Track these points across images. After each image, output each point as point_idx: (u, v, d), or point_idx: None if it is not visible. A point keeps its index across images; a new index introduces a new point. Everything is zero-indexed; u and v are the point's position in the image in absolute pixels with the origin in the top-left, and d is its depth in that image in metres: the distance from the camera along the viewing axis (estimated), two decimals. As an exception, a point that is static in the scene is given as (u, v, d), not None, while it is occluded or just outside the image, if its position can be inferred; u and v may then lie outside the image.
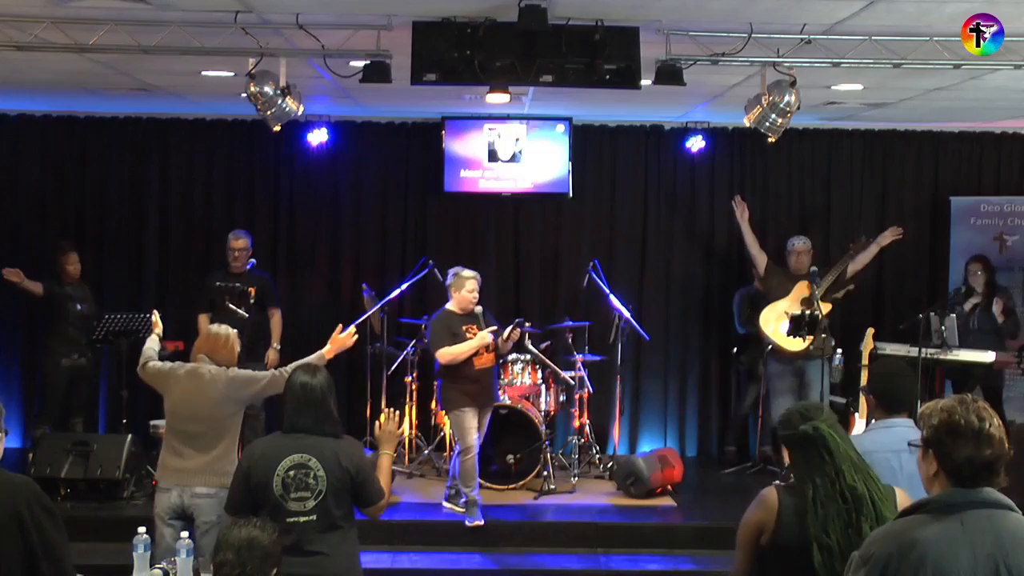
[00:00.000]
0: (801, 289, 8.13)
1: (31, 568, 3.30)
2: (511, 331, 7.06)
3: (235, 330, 5.38)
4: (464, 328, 7.04)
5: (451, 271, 7.27)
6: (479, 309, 7.09)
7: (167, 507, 5.04)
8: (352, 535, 4.19)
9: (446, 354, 6.99)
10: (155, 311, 5.78)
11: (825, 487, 3.15)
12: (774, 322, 8.11)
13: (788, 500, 3.22)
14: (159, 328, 5.61)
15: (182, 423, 5.09)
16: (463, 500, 7.16)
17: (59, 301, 8.18)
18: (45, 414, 8.28)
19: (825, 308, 8.05)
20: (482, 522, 7.06)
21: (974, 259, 8.56)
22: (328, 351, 5.24)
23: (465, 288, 7.10)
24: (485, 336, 6.99)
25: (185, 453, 5.06)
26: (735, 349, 9.09)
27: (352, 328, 5.35)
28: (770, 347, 8.18)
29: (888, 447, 3.80)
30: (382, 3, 5.31)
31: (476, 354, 7.02)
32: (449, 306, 7.17)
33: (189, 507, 5.01)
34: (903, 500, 3.24)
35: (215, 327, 5.35)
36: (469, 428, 7.03)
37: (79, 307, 8.23)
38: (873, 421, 4.13)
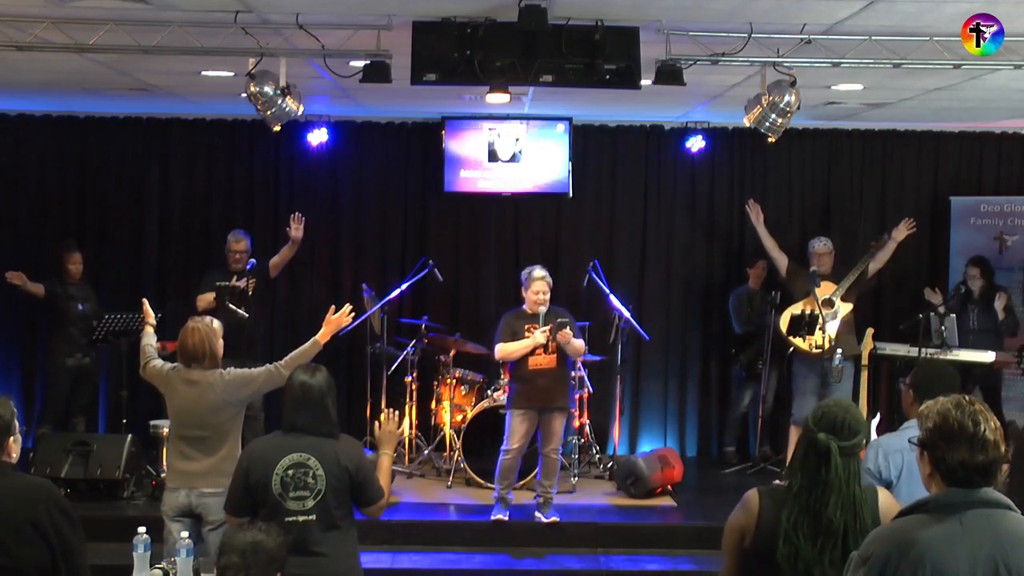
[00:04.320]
0: (822, 289, 8.11)
1: (52, 570, 3.33)
2: (558, 333, 6.89)
3: (206, 318, 5.29)
4: (526, 327, 6.99)
5: (524, 271, 7.21)
6: (543, 310, 6.98)
7: (174, 506, 5.06)
8: (352, 535, 4.19)
9: (499, 351, 7.05)
10: (145, 301, 5.65)
11: (808, 492, 3.09)
12: None
13: (769, 503, 3.17)
14: (151, 317, 5.53)
15: (185, 429, 5.08)
16: (507, 494, 7.16)
17: (61, 301, 8.18)
18: (48, 414, 8.30)
19: (846, 308, 8.06)
20: (504, 517, 7.11)
21: (972, 262, 8.56)
22: (322, 335, 5.17)
23: (531, 288, 7.03)
24: (537, 337, 6.92)
25: (191, 455, 5.05)
26: (733, 350, 9.09)
27: (347, 307, 5.27)
28: (792, 348, 8.17)
29: None
30: (382, 3, 5.31)
31: (532, 354, 6.95)
32: (524, 306, 7.12)
33: (197, 506, 5.02)
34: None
35: (183, 331, 5.16)
36: (513, 429, 7.01)
37: (81, 307, 8.24)
38: (909, 418, 4.12)
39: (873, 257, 8.37)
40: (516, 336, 6.99)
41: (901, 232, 8.50)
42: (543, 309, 6.99)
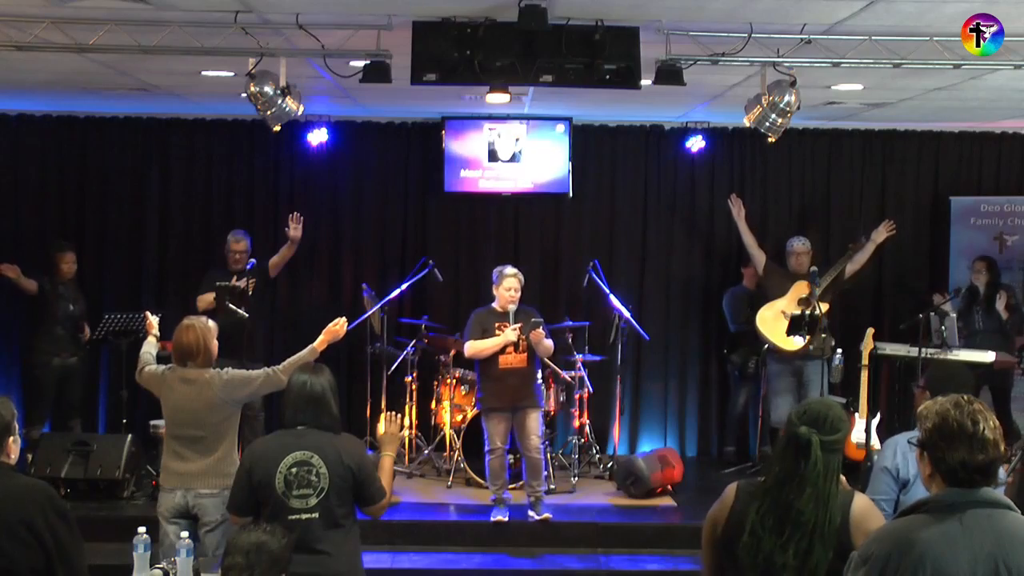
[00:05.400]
0: (799, 289, 8.13)
1: (46, 572, 3.34)
2: (531, 332, 6.91)
3: (202, 318, 5.30)
4: (496, 325, 7.00)
5: (496, 268, 7.25)
6: (513, 307, 7.00)
7: (170, 507, 5.05)
8: (354, 534, 4.20)
9: (469, 348, 7.06)
10: (148, 313, 5.73)
11: (783, 485, 3.09)
12: (771, 321, 8.11)
13: (744, 495, 3.18)
14: (155, 330, 5.58)
15: (181, 428, 5.08)
16: (503, 494, 7.19)
17: (51, 300, 8.15)
18: (38, 414, 8.26)
19: (823, 308, 8.05)
20: (504, 518, 7.12)
21: (979, 259, 8.57)
22: (319, 343, 5.20)
23: (502, 286, 7.06)
24: (508, 335, 6.94)
25: (187, 456, 5.05)
26: (725, 349, 9.08)
27: (343, 319, 5.31)
28: (767, 346, 8.18)
29: None
30: (382, 3, 5.31)
31: (503, 352, 6.97)
32: (494, 303, 7.15)
33: (193, 507, 5.02)
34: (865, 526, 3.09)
35: (179, 329, 5.16)
36: (491, 430, 7.05)
37: (71, 307, 8.21)
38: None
39: (851, 259, 8.37)
40: (486, 333, 7.01)
41: (880, 234, 8.49)
42: (513, 307, 7.02)
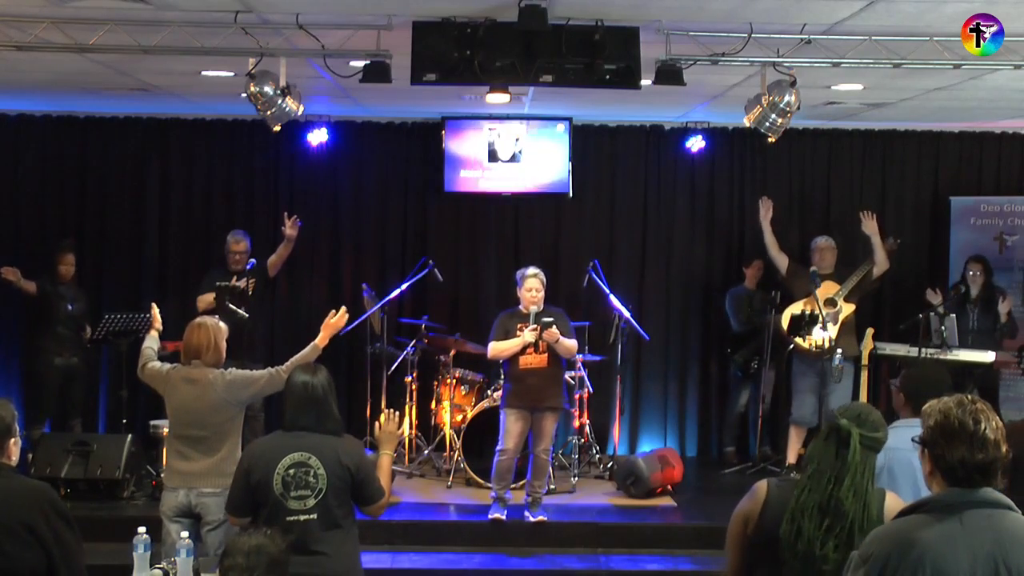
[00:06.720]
0: (826, 288, 8.11)
1: (46, 572, 3.34)
2: (545, 332, 6.89)
3: (214, 318, 5.31)
4: (519, 327, 7.01)
5: (518, 271, 7.24)
6: (535, 308, 6.99)
7: (173, 506, 5.06)
8: (353, 534, 4.19)
9: (491, 349, 7.09)
10: (154, 305, 5.70)
11: (823, 474, 3.13)
12: None
13: (777, 492, 3.21)
14: (159, 323, 5.56)
15: (184, 428, 5.08)
16: (505, 494, 7.18)
17: (51, 300, 8.16)
18: (40, 414, 8.27)
19: (848, 309, 8.06)
20: (502, 516, 7.11)
21: (973, 259, 8.56)
22: (321, 339, 5.19)
23: (523, 287, 7.07)
24: (526, 336, 6.94)
25: (190, 456, 5.05)
26: (728, 349, 9.09)
27: (343, 309, 5.28)
28: (792, 346, 8.18)
29: (910, 445, 3.80)
30: (382, 3, 5.32)
31: (523, 353, 6.97)
32: (519, 305, 7.14)
33: (196, 506, 5.03)
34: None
35: (190, 327, 5.21)
36: (506, 429, 7.03)
37: (70, 307, 8.21)
38: (899, 418, 4.15)
39: (875, 262, 8.36)
40: (509, 335, 7.02)
41: (867, 224, 8.42)
42: (535, 308, 7.00)
